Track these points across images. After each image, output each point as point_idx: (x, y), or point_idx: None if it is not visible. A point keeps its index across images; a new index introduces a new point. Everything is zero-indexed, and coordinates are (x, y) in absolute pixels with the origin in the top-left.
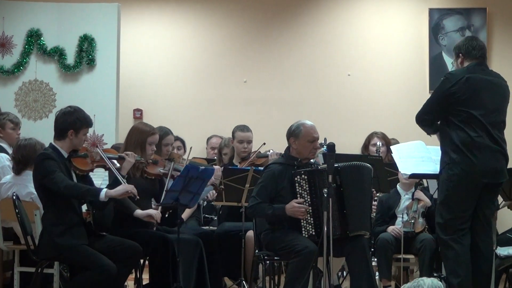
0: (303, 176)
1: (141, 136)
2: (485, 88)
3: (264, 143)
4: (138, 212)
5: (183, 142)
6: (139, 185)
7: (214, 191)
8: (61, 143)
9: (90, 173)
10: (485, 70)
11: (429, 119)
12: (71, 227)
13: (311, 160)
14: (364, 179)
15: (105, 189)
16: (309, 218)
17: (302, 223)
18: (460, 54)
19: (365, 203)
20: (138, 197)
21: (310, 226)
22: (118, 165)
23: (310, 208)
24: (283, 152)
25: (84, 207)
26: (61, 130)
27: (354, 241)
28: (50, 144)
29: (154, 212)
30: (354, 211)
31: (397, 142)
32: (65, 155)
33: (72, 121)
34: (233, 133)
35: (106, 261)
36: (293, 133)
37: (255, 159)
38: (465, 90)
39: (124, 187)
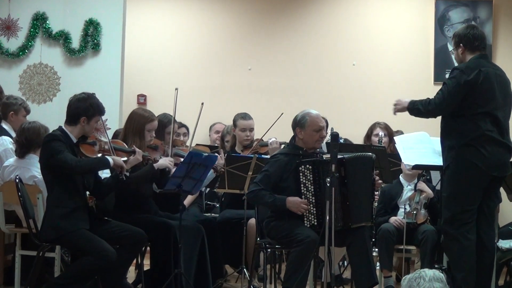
0: (307, 166)
1: (139, 122)
2: (496, 81)
3: (282, 113)
4: (158, 163)
5: (188, 129)
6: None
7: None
8: (71, 128)
9: None
10: (491, 63)
11: (442, 113)
12: (74, 210)
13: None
14: (367, 169)
15: (110, 157)
16: (312, 208)
17: (305, 213)
18: (461, 44)
19: (368, 194)
20: (123, 177)
21: (312, 216)
22: (125, 158)
23: (313, 198)
24: (285, 141)
25: (87, 193)
26: (73, 115)
27: (355, 231)
28: (60, 127)
29: (170, 161)
30: (357, 203)
31: (402, 134)
32: (74, 140)
33: (86, 108)
34: (234, 121)
35: (106, 246)
36: (299, 123)
37: (258, 147)
38: (482, 84)
39: (121, 162)
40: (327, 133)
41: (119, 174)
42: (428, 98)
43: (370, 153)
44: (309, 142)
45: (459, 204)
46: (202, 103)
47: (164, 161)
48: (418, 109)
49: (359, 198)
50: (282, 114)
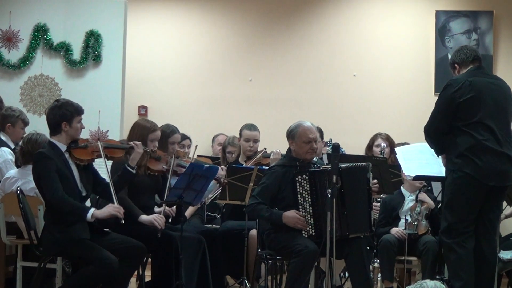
0: (304, 176)
1: (142, 133)
2: (488, 90)
3: (265, 148)
4: (143, 217)
5: (191, 140)
6: (142, 182)
7: (218, 187)
8: (57, 138)
9: (98, 168)
10: (485, 73)
11: (440, 126)
12: (72, 224)
13: (314, 159)
14: (362, 179)
15: (92, 210)
16: (309, 218)
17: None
18: (456, 65)
19: (364, 203)
20: (123, 221)
21: (310, 227)
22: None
23: (310, 208)
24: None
25: (87, 203)
26: (53, 125)
27: (352, 243)
28: (48, 141)
29: (158, 219)
30: (354, 212)
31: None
32: (64, 148)
33: (62, 114)
34: (240, 131)
35: (107, 254)
36: (290, 134)
37: (261, 158)
38: (469, 94)
39: (109, 210)
40: (323, 143)
41: (119, 220)
42: None
43: (365, 163)
44: (300, 154)
45: (455, 214)
46: (196, 146)
47: (151, 218)
48: (426, 138)
49: (356, 208)
50: (264, 149)
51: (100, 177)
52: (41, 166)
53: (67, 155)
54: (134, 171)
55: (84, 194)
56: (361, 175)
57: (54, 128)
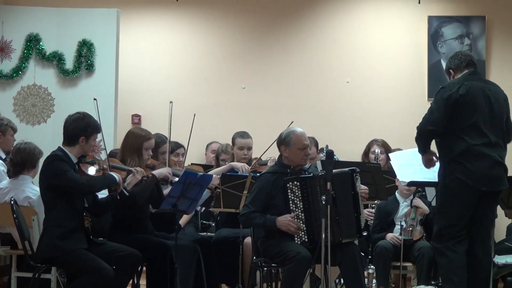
0: (295, 182)
1: (137, 141)
2: (483, 95)
3: (292, 121)
4: (155, 172)
5: (185, 149)
6: None
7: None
8: (70, 149)
9: None
10: (480, 78)
11: (435, 129)
12: (72, 231)
13: (305, 166)
14: (347, 184)
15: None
16: (301, 224)
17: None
18: (451, 70)
19: (351, 208)
20: (118, 196)
21: (302, 233)
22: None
23: (302, 214)
24: None
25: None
26: (71, 136)
27: (345, 249)
28: (59, 147)
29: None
30: (345, 217)
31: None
32: (74, 160)
33: (83, 128)
34: (233, 139)
35: (103, 264)
36: (284, 141)
37: (257, 166)
38: (464, 98)
39: (121, 180)
40: (318, 151)
41: (114, 192)
42: None
43: (348, 168)
44: (294, 160)
45: (446, 219)
46: (195, 114)
47: (163, 170)
48: (416, 137)
49: (346, 213)
50: (292, 122)
51: (96, 195)
52: (58, 165)
53: (76, 168)
54: (128, 194)
55: (86, 205)
56: (345, 180)
57: (71, 139)
